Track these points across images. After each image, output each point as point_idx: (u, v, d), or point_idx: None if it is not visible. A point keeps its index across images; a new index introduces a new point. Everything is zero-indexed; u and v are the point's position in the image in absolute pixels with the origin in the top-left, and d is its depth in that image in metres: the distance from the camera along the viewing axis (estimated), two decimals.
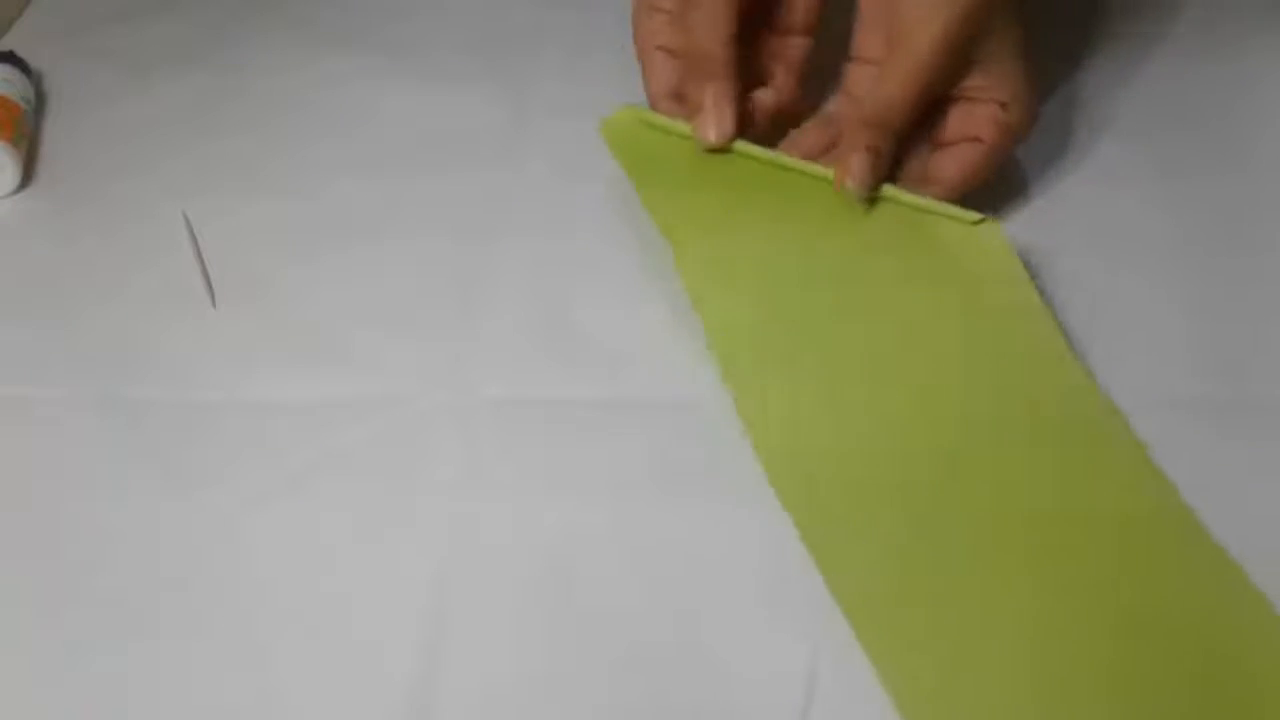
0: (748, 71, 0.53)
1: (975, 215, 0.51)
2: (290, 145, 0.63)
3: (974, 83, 0.51)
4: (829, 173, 0.51)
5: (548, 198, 0.59)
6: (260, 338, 0.54)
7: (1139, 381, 0.51)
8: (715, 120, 0.51)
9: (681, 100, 0.54)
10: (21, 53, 0.66)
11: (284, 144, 0.63)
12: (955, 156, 0.52)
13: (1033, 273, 0.51)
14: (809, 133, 0.54)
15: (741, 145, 0.52)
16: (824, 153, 0.53)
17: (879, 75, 0.50)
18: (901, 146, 0.52)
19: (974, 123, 0.52)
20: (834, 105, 0.54)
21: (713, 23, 0.51)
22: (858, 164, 0.49)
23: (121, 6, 0.71)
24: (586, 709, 0.43)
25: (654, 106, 0.55)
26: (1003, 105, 0.51)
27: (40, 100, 0.65)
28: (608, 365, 0.52)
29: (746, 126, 0.53)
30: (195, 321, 0.55)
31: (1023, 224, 0.56)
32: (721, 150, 0.52)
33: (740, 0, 0.51)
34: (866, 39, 0.53)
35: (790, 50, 0.56)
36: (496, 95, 0.64)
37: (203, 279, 0.56)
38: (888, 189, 0.52)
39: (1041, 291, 0.51)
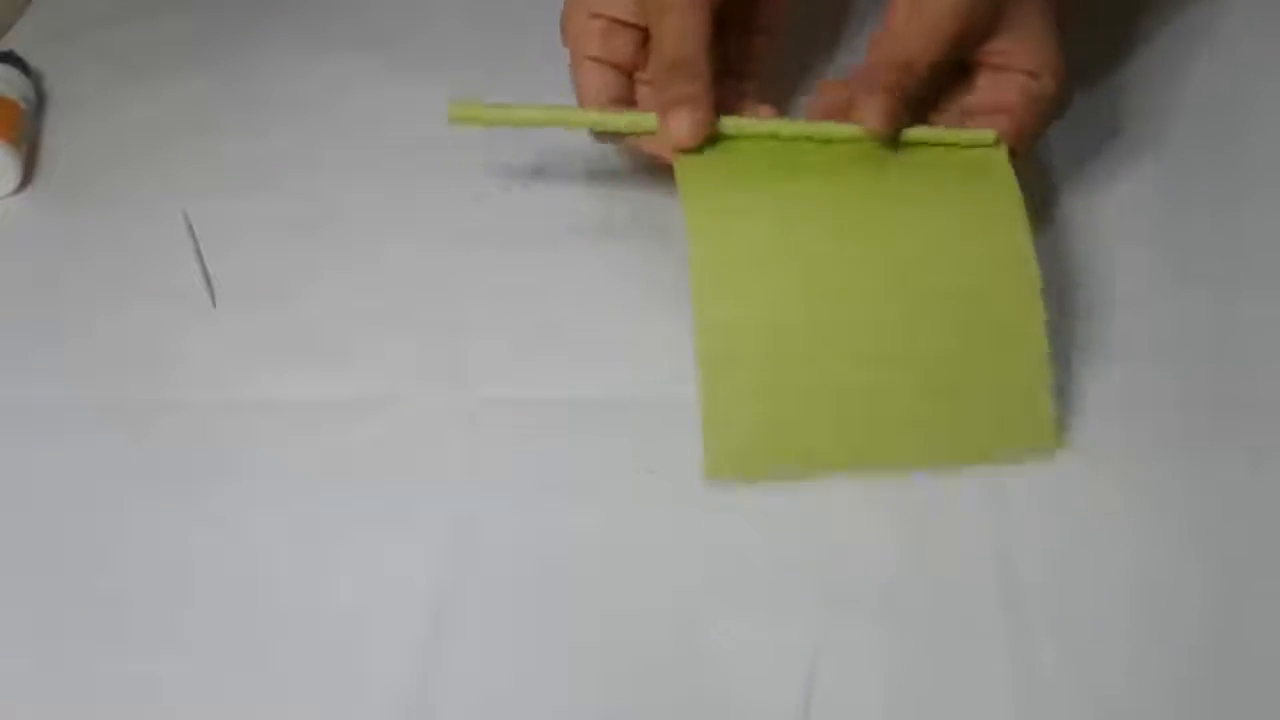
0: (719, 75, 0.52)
1: (990, 135, 0.50)
2: (290, 145, 0.63)
3: (1000, 46, 0.50)
4: (840, 129, 0.50)
5: (547, 199, 0.59)
6: (260, 338, 0.54)
7: (1131, 377, 0.51)
8: (690, 122, 0.49)
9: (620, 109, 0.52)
10: (21, 53, 0.65)
11: (284, 144, 0.63)
12: (983, 126, 0.51)
13: None
14: (831, 88, 0.52)
15: (737, 123, 0.50)
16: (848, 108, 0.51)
17: (902, 22, 0.49)
18: (929, 110, 0.51)
19: (1002, 91, 0.51)
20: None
21: (689, 29, 0.49)
22: (877, 104, 0.48)
23: (122, 6, 0.71)
24: (586, 708, 0.43)
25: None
26: (1032, 75, 0.50)
27: (40, 100, 0.65)
28: (607, 365, 0.53)
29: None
30: (195, 321, 0.55)
31: None
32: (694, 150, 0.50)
33: (713, 4, 0.51)
34: (891, 11, 0.52)
35: (757, 48, 0.55)
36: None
37: (203, 279, 0.57)
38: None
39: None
